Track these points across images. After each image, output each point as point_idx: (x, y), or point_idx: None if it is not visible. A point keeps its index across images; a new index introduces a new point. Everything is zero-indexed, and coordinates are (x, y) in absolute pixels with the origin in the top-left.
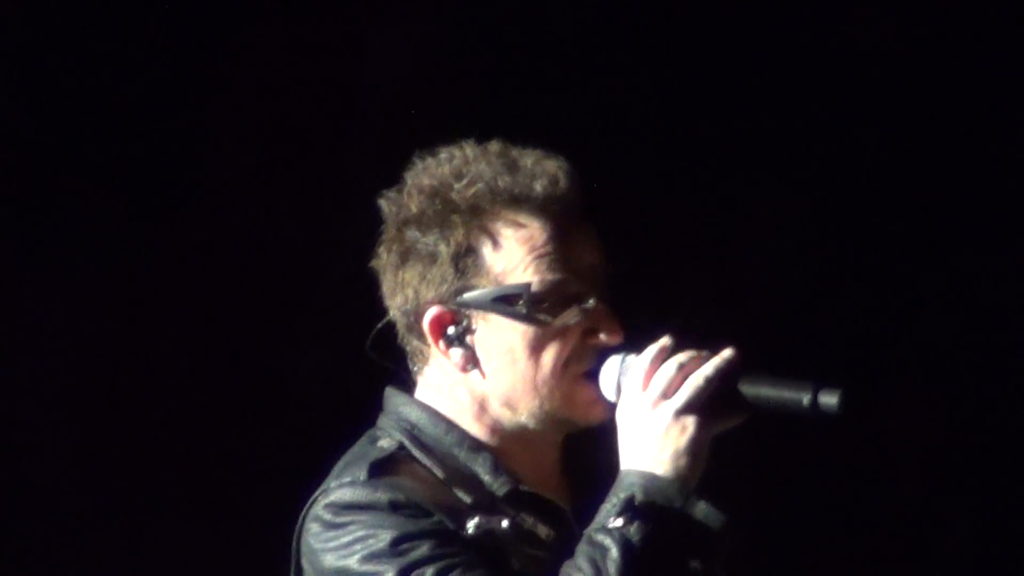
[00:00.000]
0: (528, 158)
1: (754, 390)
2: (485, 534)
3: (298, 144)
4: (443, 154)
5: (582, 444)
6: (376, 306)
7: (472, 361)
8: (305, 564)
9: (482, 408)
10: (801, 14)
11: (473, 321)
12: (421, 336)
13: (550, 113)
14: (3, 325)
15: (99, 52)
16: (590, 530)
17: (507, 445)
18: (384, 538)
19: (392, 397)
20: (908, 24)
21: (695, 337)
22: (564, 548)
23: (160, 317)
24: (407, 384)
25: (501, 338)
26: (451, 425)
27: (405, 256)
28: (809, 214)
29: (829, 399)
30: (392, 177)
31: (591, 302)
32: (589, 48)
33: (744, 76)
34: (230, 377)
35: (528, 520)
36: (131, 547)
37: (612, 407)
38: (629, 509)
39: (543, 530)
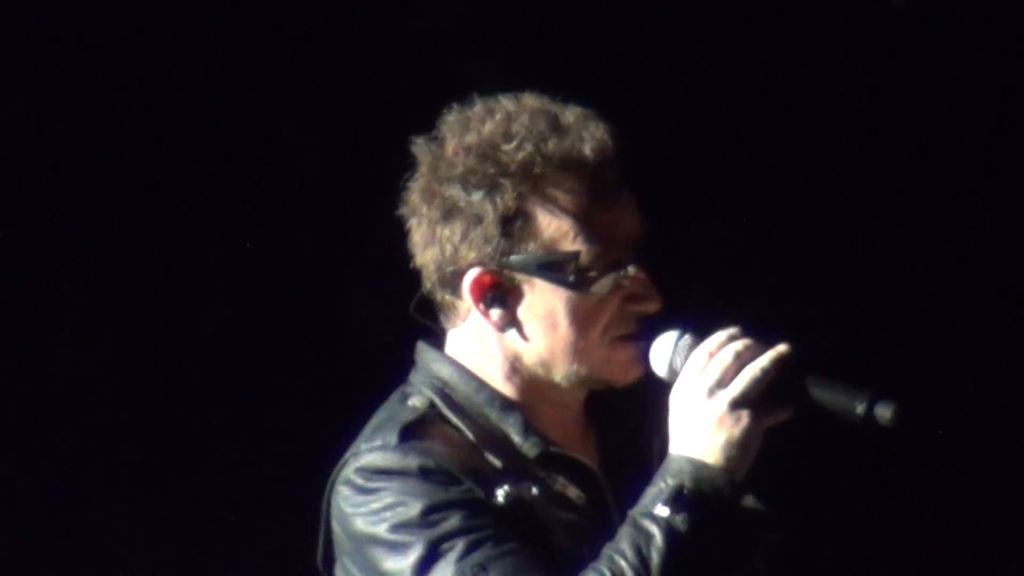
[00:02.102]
0: (569, 115)
1: (809, 388)
2: (515, 501)
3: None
4: (479, 108)
5: (605, 400)
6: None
7: (512, 323)
8: (335, 526)
9: (514, 367)
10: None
11: (516, 284)
12: (456, 292)
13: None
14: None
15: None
16: (635, 513)
17: (535, 402)
18: (415, 507)
19: (424, 352)
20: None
21: (750, 328)
22: (595, 510)
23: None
24: (438, 336)
25: (544, 302)
26: (482, 384)
27: (448, 213)
28: (865, 218)
29: (884, 411)
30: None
31: (632, 269)
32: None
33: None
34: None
35: (558, 481)
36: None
37: (646, 367)
38: (678, 498)
39: (573, 491)
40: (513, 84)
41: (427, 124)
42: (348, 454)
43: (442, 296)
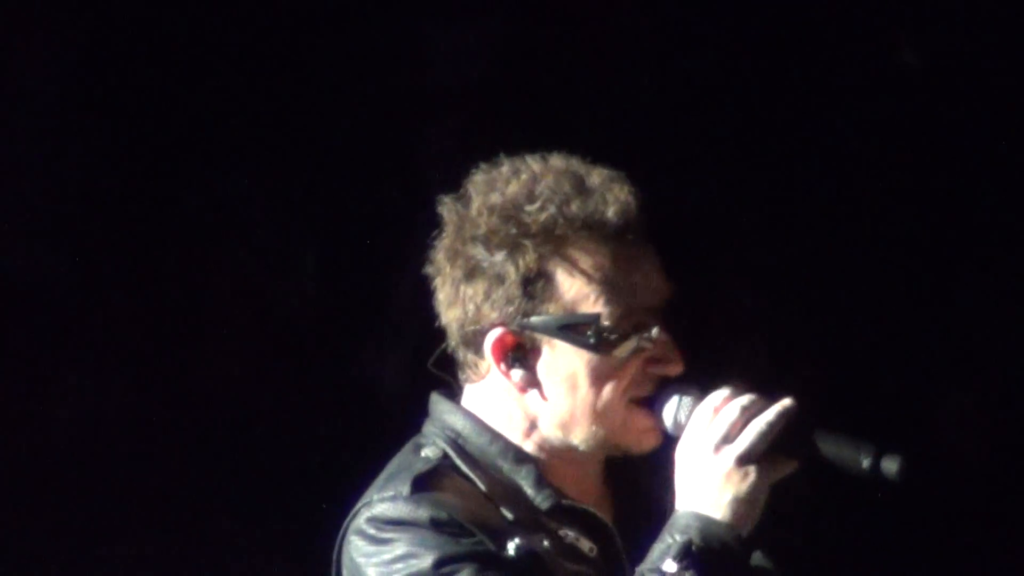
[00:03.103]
0: (594, 177)
1: (814, 442)
2: (526, 554)
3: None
4: (506, 168)
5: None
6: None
7: (532, 383)
8: (346, 575)
9: (532, 426)
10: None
11: (537, 345)
12: (478, 351)
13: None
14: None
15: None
16: (643, 569)
17: (552, 460)
18: (426, 559)
19: (438, 404)
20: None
21: (754, 383)
22: (607, 563)
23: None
24: (453, 390)
25: (565, 364)
26: (496, 435)
27: (471, 273)
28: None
29: (890, 465)
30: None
31: (655, 331)
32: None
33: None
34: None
35: (570, 534)
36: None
37: (665, 435)
38: (686, 554)
39: (586, 544)
40: (535, 145)
41: (446, 183)
42: (360, 504)
43: (465, 355)
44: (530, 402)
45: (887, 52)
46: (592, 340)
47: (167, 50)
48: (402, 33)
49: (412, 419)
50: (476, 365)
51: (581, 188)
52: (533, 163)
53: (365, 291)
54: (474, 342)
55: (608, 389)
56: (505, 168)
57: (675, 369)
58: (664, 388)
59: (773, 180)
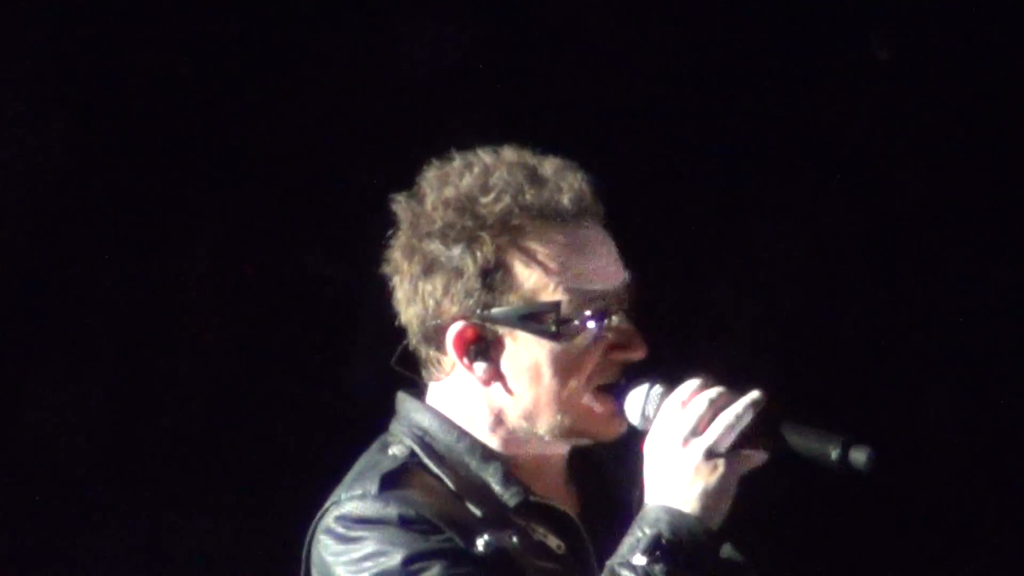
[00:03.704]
0: (547, 166)
1: (783, 434)
2: (495, 551)
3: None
4: (458, 162)
5: (585, 449)
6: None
7: (496, 376)
8: (315, 574)
9: (498, 420)
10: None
11: (499, 337)
12: (440, 347)
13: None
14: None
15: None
16: (612, 563)
17: (518, 455)
18: (395, 557)
19: (404, 402)
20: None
21: (722, 375)
22: (575, 559)
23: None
24: (419, 388)
25: (527, 354)
26: (463, 433)
27: (428, 268)
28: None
29: (858, 456)
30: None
31: (616, 318)
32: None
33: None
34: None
35: (539, 531)
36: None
37: (630, 440)
38: (655, 547)
39: (554, 541)
40: (503, 133)
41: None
42: (329, 502)
43: (427, 351)
44: (494, 395)
45: (861, 46)
46: (553, 329)
47: (140, 44)
48: (377, 24)
49: (380, 418)
50: (439, 361)
51: (535, 178)
52: (485, 156)
53: (341, 288)
54: (435, 338)
55: (571, 377)
56: (457, 162)
57: (638, 355)
58: (630, 380)
59: (746, 166)
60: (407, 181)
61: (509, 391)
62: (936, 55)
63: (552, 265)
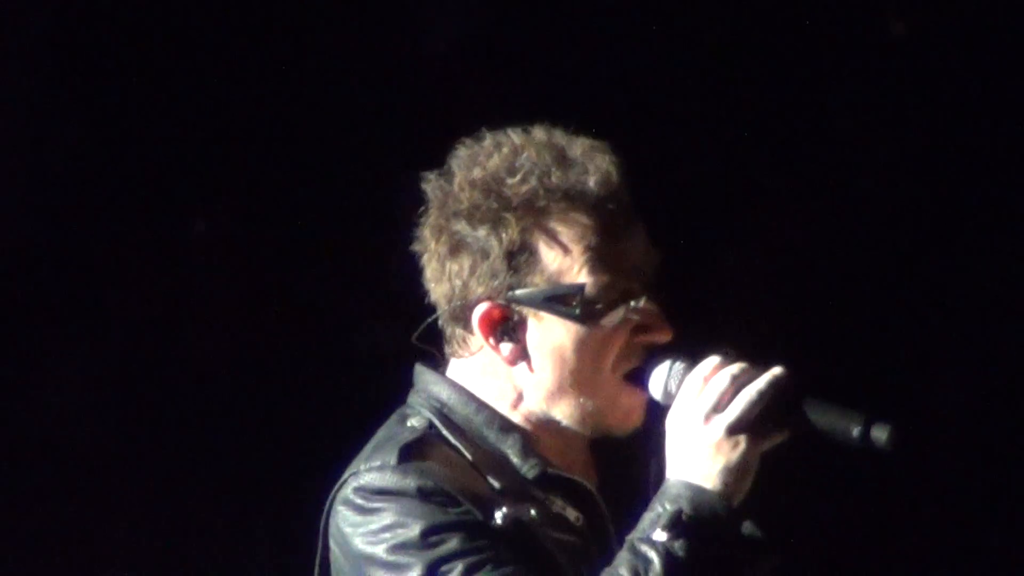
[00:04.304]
0: (576, 148)
1: (805, 411)
2: (513, 524)
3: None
4: (488, 142)
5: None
6: None
7: (521, 356)
8: (333, 545)
9: (520, 398)
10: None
11: (524, 318)
12: (467, 326)
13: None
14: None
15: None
16: (633, 538)
17: (538, 430)
18: (414, 528)
19: (422, 374)
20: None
21: (744, 352)
22: (593, 531)
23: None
24: (437, 362)
25: (552, 336)
26: (481, 405)
27: (455, 248)
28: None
29: (880, 434)
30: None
31: (642, 301)
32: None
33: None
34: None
35: (557, 503)
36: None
37: (649, 414)
38: (676, 523)
39: (572, 513)
40: (523, 110)
41: (433, 151)
42: (347, 474)
43: (453, 329)
44: (518, 375)
45: (876, 24)
46: (578, 311)
47: (144, 33)
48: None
49: (398, 391)
50: (465, 340)
51: (562, 159)
52: (515, 136)
53: (356, 266)
54: (462, 317)
55: (596, 359)
56: (487, 142)
57: (663, 337)
58: (653, 357)
59: (765, 149)
60: (425, 157)
61: (533, 372)
62: (951, 42)
63: (577, 248)
